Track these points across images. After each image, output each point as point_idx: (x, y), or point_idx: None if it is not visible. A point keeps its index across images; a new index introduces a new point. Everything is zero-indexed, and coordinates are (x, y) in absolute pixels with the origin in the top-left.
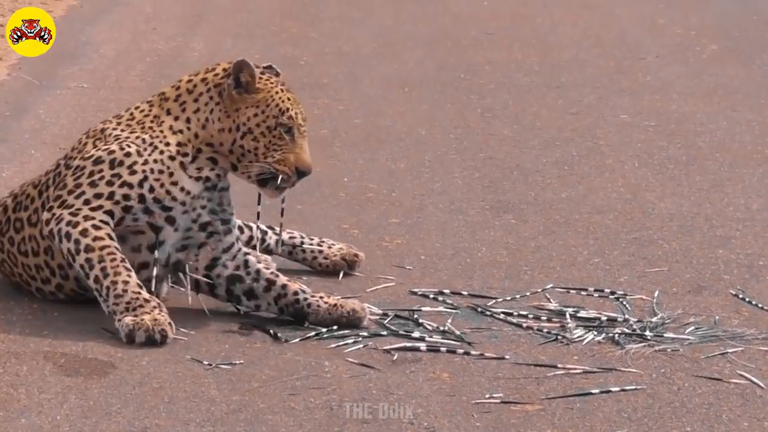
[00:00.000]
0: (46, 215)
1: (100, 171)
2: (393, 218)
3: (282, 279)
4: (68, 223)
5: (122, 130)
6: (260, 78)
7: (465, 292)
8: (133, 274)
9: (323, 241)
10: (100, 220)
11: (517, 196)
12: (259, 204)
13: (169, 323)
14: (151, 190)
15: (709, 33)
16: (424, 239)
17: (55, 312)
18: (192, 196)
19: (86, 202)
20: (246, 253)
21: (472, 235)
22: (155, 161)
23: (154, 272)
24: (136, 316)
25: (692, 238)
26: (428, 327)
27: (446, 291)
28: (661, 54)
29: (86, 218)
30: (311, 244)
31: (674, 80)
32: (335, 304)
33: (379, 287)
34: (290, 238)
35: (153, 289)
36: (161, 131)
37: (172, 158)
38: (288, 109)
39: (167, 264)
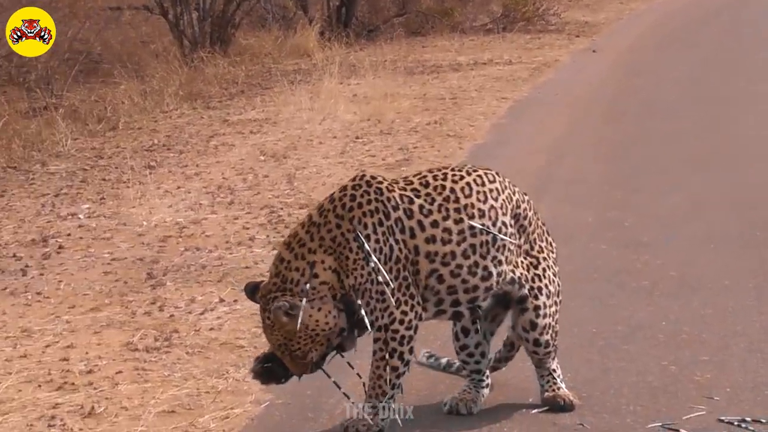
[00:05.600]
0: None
1: None
2: (703, 356)
3: None
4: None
5: None
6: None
7: (764, 420)
8: None
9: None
10: None
11: None
12: None
13: None
14: None
15: None
16: (729, 374)
17: None
18: None
19: None
20: None
21: None
22: None
23: None
24: None
25: None
26: None
27: (748, 419)
28: None
29: None
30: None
31: None
32: None
33: (692, 415)
34: None
35: None
36: None
37: None
38: None
39: None
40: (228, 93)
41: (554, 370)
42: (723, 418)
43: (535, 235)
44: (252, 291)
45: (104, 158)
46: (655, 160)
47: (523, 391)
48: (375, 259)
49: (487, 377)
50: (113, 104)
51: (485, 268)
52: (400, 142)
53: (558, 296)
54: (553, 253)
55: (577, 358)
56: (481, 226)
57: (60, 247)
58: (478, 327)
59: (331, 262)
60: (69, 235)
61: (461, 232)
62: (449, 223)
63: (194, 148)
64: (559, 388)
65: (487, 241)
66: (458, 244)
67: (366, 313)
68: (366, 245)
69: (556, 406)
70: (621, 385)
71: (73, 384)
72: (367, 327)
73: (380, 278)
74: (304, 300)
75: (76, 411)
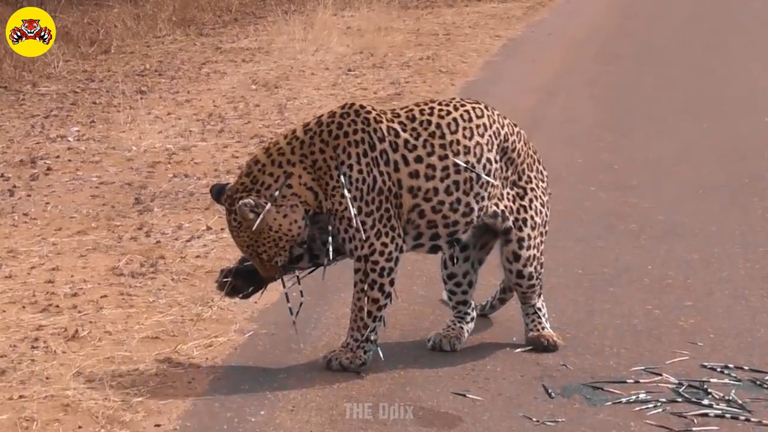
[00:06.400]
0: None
1: None
2: (687, 301)
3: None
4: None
5: None
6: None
7: (746, 367)
8: None
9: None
10: None
11: None
12: None
13: None
14: None
15: None
16: (713, 320)
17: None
18: None
19: None
20: None
21: (753, 318)
22: None
23: None
24: None
25: None
26: (716, 396)
27: (731, 365)
28: None
29: None
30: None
31: None
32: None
33: (676, 360)
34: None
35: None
36: None
37: None
38: None
39: None
40: (221, 21)
41: (539, 309)
42: (706, 363)
43: (525, 165)
44: (218, 193)
45: (95, 81)
46: (648, 104)
47: (508, 329)
48: (348, 195)
49: (473, 310)
50: (106, 27)
51: (467, 204)
52: (392, 76)
53: (545, 227)
54: (543, 182)
55: (563, 298)
56: (464, 164)
57: (48, 168)
58: (458, 256)
59: (309, 181)
60: (58, 157)
61: (445, 168)
62: (434, 159)
63: (186, 74)
64: (543, 328)
65: (470, 178)
66: (441, 180)
67: (336, 240)
68: (342, 179)
69: (540, 345)
70: (605, 327)
71: (57, 306)
72: (344, 251)
73: (353, 212)
74: (269, 204)
75: (59, 333)
